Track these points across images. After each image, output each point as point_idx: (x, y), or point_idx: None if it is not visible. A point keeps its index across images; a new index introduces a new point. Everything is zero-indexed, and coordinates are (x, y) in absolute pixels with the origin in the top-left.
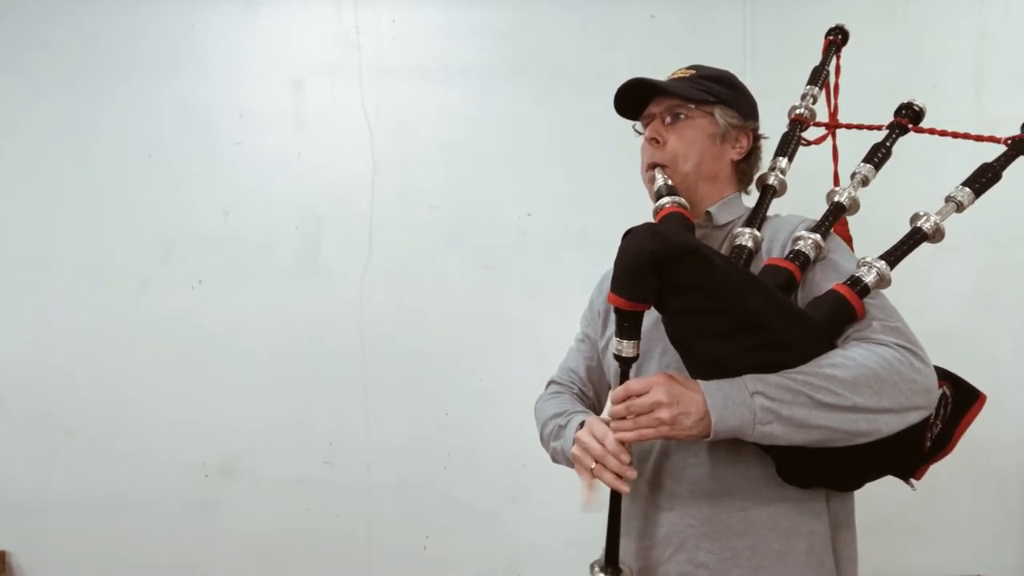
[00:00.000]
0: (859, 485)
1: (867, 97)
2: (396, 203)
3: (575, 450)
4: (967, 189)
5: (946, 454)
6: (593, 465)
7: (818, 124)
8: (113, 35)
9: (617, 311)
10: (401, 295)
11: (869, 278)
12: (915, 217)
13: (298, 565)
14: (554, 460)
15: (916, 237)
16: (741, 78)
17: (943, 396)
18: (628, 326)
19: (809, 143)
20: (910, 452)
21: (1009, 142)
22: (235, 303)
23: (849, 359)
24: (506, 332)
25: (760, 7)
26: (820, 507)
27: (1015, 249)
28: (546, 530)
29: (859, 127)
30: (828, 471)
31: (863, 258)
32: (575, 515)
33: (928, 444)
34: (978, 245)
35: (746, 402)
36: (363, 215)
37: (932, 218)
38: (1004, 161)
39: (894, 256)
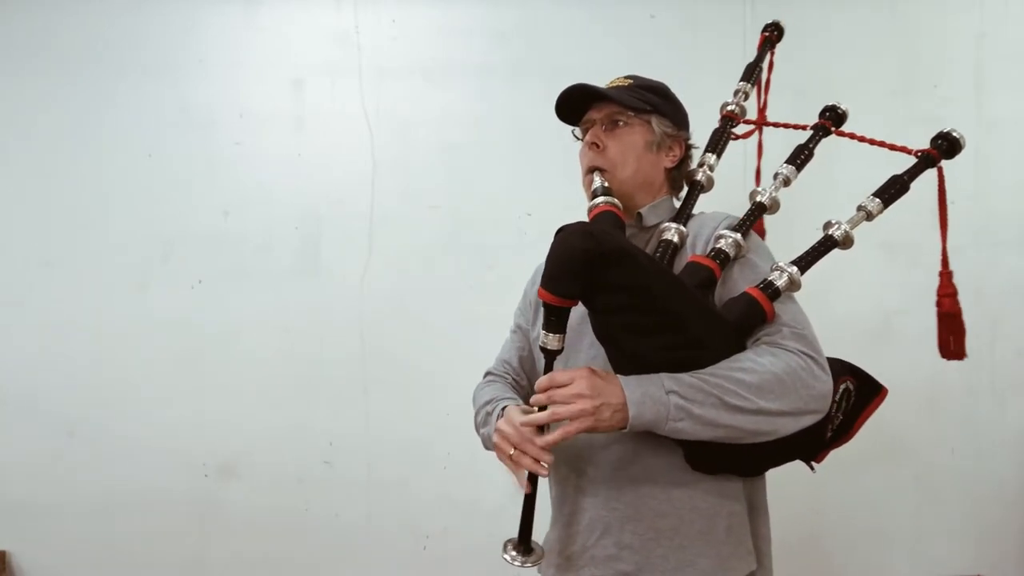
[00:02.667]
0: (761, 471)
1: (867, 97)
2: (396, 203)
3: (496, 438)
4: (877, 200)
5: (847, 441)
6: (512, 452)
7: (747, 121)
8: (113, 35)
9: (545, 306)
10: (401, 295)
11: (781, 282)
12: (827, 225)
13: (298, 565)
14: (485, 447)
15: (827, 244)
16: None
17: (846, 390)
18: (555, 320)
19: (737, 137)
20: (812, 442)
21: (919, 154)
22: (235, 303)
23: (758, 364)
24: (506, 332)
25: (760, 7)
26: (737, 489)
27: (1015, 250)
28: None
29: (785, 126)
30: (732, 460)
31: (776, 263)
32: None
33: (829, 434)
34: (979, 246)
35: (661, 399)
36: (363, 215)
37: (843, 226)
38: (913, 173)
39: (805, 261)
